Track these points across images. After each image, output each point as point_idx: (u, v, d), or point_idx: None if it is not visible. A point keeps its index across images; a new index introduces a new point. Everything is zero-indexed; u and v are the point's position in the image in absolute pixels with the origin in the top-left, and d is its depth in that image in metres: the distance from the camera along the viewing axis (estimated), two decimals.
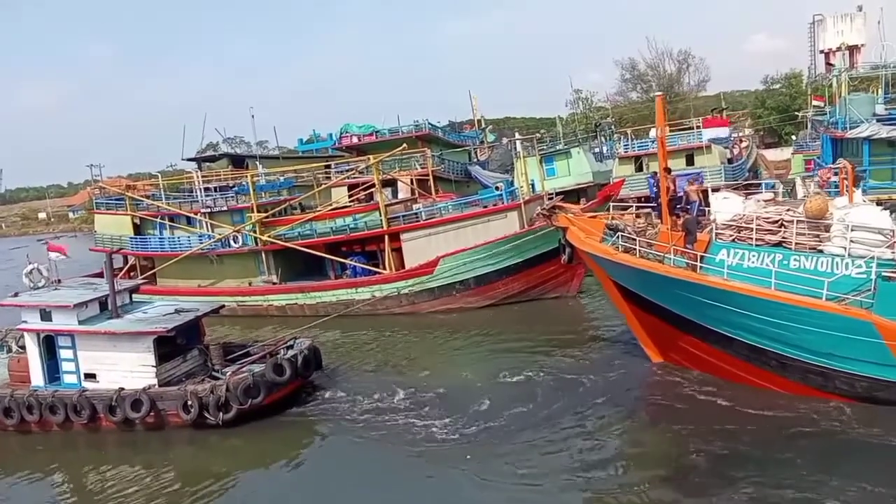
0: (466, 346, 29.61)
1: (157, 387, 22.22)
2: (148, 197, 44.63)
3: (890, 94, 36.82)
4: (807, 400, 19.00)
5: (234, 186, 44.95)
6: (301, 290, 38.64)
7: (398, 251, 37.02)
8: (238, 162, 53.57)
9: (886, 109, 33.66)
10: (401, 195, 43.81)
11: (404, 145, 40.90)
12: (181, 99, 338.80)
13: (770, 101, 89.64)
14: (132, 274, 43.17)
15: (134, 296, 26.06)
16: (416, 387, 23.90)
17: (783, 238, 18.98)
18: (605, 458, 17.72)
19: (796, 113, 66.92)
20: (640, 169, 48.07)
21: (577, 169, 50.28)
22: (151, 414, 21.98)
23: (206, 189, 44.72)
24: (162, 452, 21.52)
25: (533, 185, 42.70)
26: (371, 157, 40.95)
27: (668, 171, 21.89)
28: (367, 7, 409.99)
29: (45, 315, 23.32)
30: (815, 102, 52.05)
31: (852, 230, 17.91)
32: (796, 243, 18.71)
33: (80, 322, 23.06)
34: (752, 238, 19.35)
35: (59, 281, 25.49)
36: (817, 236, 18.59)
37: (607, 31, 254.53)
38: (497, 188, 39.45)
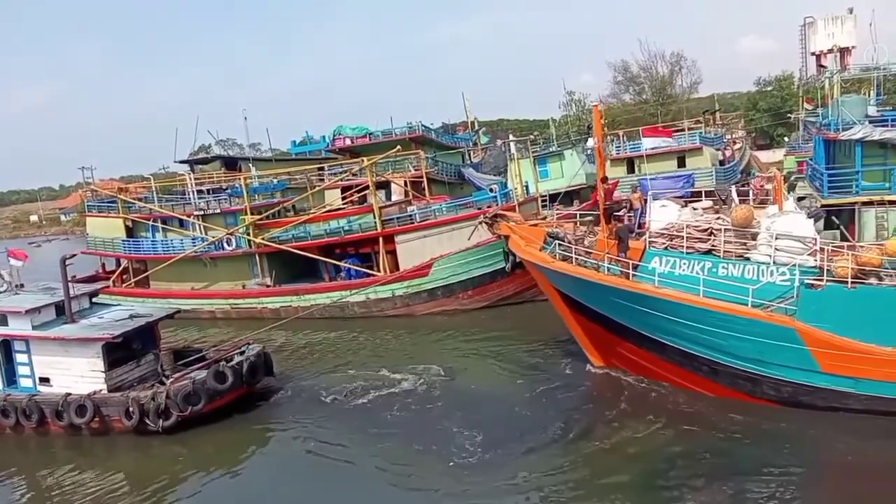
0: (454, 347, 29.60)
1: (104, 392, 22.50)
2: (140, 199, 45.16)
3: (882, 95, 36.20)
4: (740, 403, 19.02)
5: (227, 189, 45.27)
6: (295, 293, 38.79)
7: (392, 253, 37.08)
8: (230, 164, 53.83)
9: (878, 111, 33.06)
10: (394, 197, 43.66)
11: (398, 147, 40.91)
12: (174, 101, 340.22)
13: (762, 103, 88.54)
14: (125, 277, 43.89)
15: (95, 299, 26.46)
16: (384, 392, 23.90)
17: (713, 246, 18.88)
18: (584, 467, 17.68)
19: (788, 115, 66.05)
20: (631, 171, 47.85)
21: (570, 171, 49.77)
22: (96, 419, 22.27)
23: (199, 191, 44.93)
24: (106, 458, 21.82)
25: (527, 187, 42.52)
26: (364, 159, 40.90)
27: (604, 180, 21.73)
28: (364, 8, 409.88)
29: (1, 320, 23.77)
30: (805, 106, 51.39)
31: (777, 238, 17.77)
32: (724, 251, 18.63)
33: (35, 327, 23.44)
34: (683, 246, 19.26)
35: (22, 286, 25.91)
36: (744, 244, 18.48)
37: (601, 33, 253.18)
38: (491, 190, 39.32)
